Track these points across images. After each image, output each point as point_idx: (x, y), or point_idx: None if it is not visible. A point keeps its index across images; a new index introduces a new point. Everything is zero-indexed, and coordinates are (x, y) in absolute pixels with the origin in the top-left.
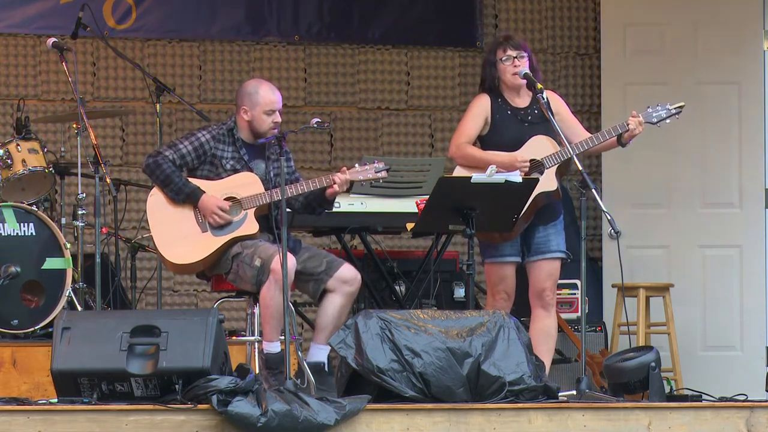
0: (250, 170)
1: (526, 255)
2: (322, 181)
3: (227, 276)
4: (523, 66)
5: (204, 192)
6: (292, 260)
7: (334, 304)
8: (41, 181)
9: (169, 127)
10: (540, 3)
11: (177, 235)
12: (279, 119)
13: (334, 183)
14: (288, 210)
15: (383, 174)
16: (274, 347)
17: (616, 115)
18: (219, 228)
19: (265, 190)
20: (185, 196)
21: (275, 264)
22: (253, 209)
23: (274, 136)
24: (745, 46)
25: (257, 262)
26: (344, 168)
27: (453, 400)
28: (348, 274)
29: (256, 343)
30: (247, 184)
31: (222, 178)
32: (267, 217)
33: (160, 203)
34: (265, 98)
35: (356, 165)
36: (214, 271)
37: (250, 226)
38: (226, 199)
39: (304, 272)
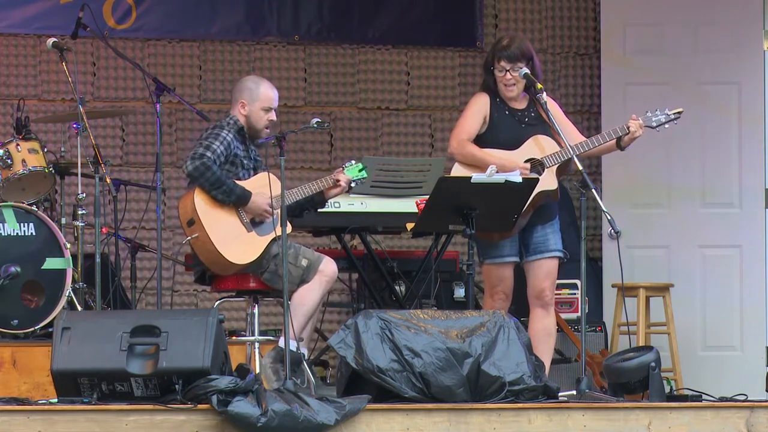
0: (255, 169)
1: (524, 255)
2: (327, 181)
3: (262, 275)
4: (516, 79)
5: (251, 192)
6: (334, 265)
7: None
8: (41, 181)
9: (169, 127)
10: (540, 3)
11: (231, 235)
12: (275, 118)
13: (339, 182)
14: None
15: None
16: (293, 345)
17: (616, 116)
18: (259, 228)
19: None
20: (236, 198)
21: (324, 266)
22: (279, 209)
23: (273, 137)
24: (745, 46)
25: (303, 263)
26: (341, 169)
27: (453, 400)
28: (329, 267)
29: (256, 343)
30: (265, 184)
31: (239, 176)
32: None
33: (208, 205)
34: (265, 94)
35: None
36: (245, 270)
37: (288, 226)
38: None
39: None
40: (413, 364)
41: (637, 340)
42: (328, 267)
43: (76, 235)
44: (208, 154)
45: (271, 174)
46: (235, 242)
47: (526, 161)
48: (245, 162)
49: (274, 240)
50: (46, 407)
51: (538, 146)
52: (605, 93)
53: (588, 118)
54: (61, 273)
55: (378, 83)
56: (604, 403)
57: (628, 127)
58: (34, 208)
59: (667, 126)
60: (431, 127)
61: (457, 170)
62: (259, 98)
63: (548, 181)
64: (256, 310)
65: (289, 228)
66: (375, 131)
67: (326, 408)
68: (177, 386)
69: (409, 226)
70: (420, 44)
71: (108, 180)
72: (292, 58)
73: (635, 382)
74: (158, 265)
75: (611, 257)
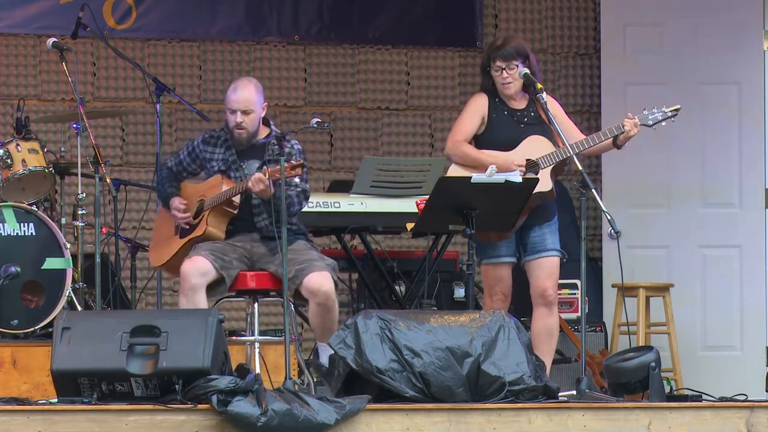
0: (238, 170)
1: (522, 255)
2: (240, 186)
3: None
4: (512, 77)
5: (173, 197)
6: (199, 261)
7: (311, 311)
8: (41, 181)
9: (169, 127)
10: (540, 3)
11: (158, 239)
12: (240, 120)
13: (247, 182)
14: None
15: (296, 160)
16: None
17: (616, 116)
18: (185, 231)
19: None
20: (163, 202)
21: (182, 268)
22: (208, 211)
23: (273, 136)
24: (745, 46)
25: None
26: (266, 169)
27: (453, 400)
28: (313, 284)
29: (256, 342)
30: (213, 185)
31: None
32: (253, 217)
33: (161, 210)
34: (228, 97)
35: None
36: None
37: (200, 228)
38: (198, 201)
39: (277, 276)
40: (413, 363)
41: (637, 340)
42: (182, 269)
43: (76, 235)
44: (169, 162)
45: (218, 176)
46: (159, 245)
47: None
48: (218, 165)
49: (193, 241)
50: (46, 407)
51: (533, 147)
52: (605, 93)
53: (588, 118)
54: (61, 273)
55: (378, 83)
56: (604, 403)
57: (623, 126)
58: (34, 208)
59: (664, 123)
60: (431, 127)
61: (454, 170)
62: (226, 100)
63: (543, 183)
64: (256, 310)
65: (201, 230)
66: (375, 131)
67: (326, 408)
68: (177, 386)
69: (409, 226)
70: (420, 44)
71: (108, 180)
72: (292, 58)
73: (635, 382)
74: None
75: (611, 257)
